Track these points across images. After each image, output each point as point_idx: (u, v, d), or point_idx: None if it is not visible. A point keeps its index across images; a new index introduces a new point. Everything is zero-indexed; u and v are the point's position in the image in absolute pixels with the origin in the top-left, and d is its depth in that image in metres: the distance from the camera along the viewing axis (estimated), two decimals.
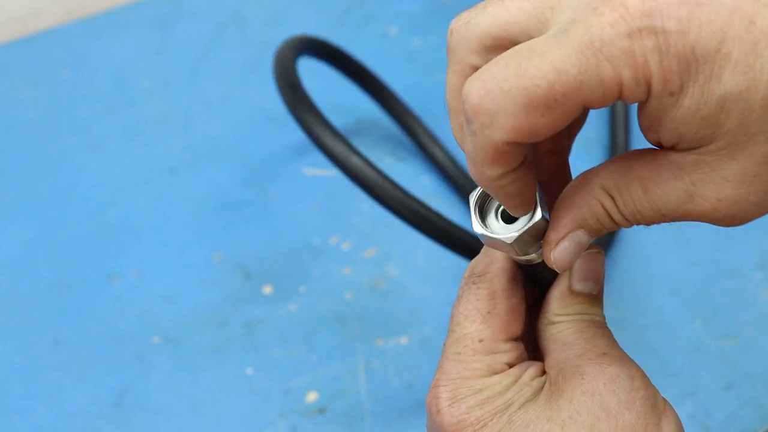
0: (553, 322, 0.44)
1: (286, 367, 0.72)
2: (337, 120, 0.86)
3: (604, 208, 0.39)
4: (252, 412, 0.70)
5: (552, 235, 0.40)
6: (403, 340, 0.73)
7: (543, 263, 0.42)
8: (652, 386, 0.41)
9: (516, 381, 0.42)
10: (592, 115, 0.88)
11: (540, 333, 0.44)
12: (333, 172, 0.84)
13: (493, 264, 0.44)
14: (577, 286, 0.44)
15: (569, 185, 0.40)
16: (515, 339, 0.44)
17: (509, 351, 0.43)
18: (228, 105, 0.89)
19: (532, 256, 0.42)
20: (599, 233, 0.40)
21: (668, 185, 0.37)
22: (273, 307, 0.75)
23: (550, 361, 0.43)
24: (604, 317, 0.44)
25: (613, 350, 0.42)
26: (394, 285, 0.77)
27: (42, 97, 0.89)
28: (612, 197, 0.39)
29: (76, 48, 0.93)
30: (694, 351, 0.74)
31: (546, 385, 0.42)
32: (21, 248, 0.79)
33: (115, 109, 0.89)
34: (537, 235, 0.41)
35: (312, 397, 0.71)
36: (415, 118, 0.83)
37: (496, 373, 0.42)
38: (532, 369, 0.43)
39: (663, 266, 0.79)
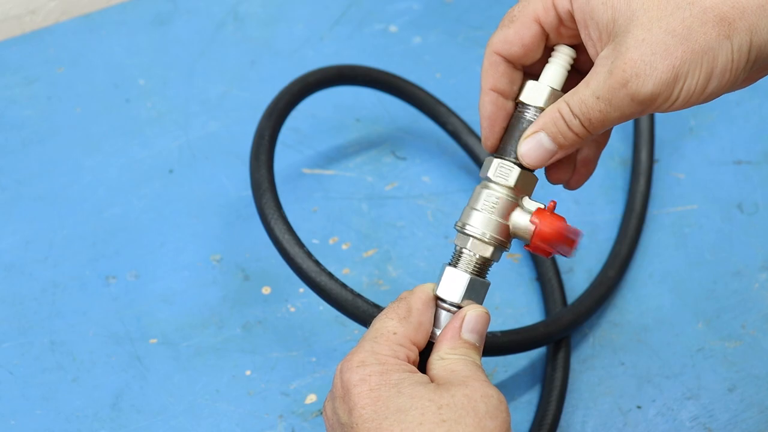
0: (443, 358, 0.54)
1: (285, 368, 0.72)
2: (337, 120, 0.86)
3: (559, 111, 0.53)
4: (250, 414, 0.69)
5: (522, 136, 0.55)
6: None
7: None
8: (509, 416, 0.53)
9: (411, 370, 0.54)
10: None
11: (430, 365, 0.55)
12: (332, 172, 0.84)
13: (414, 293, 0.57)
14: (466, 335, 0.55)
15: None
16: (418, 349, 0.56)
17: (412, 351, 0.55)
18: (226, 104, 0.89)
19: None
20: (558, 138, 0.53)
21: (598, 73, 0.51)
22: (272, 307, 0.75)
23: (439, 380, 0.54)
24: (481, 363, 0.55)
25: (488, 380, 0.53)
26: (394, 285, 0.76)
27: (38, 96, 0.88)
28: (566, 102, 0.53)
29: (73, 46, 0.93)
30: (696, 352, 0.73)
31: (434, 383, 0.53)
32: (17, 248, 0.78)
33: (112, 107, 0.88)
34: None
35: (311, 398, 0.70)
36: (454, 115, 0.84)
37: (399, 359, 0.54)
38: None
39: (664, 266, 0.79)
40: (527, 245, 0.56)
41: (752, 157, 0.85)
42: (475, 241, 0.56)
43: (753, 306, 0.76)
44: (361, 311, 0.65)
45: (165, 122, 0.87)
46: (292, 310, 0.75)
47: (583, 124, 0.52)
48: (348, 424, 0.52)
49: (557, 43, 0.56)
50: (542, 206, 0.56)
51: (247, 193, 0.82)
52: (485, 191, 0.56)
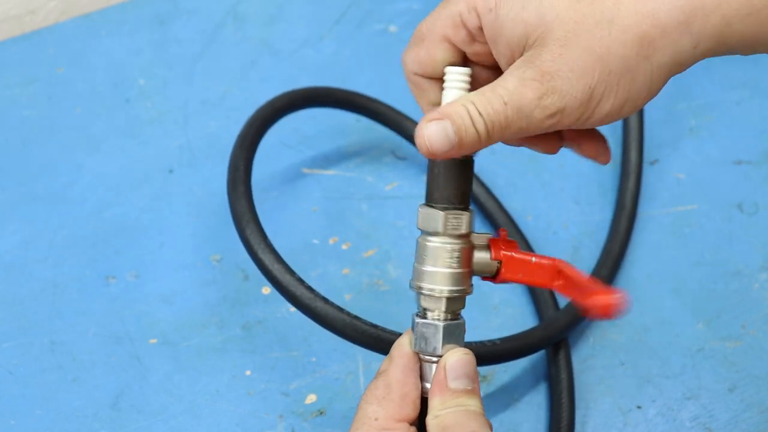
0: (437, 416, 0.52)
1: (285, 368, 0.72)
2: (337, 120, 0.86)
3: (466, 108, 0.49)
4: (251, 414, 0.69)
5: (426, 116, 0.50)
6: None
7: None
8: None
9: None
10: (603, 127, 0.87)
11: (428, 427, 0.53)
12: (332, 172, 0.84)
13: (392, 362, 0.55)
14: (452, 384, 0.53)
15: None
16: (409, 422, 0.53)
17: (399, 429, 0.53)
18: (226, 103, 0.89)
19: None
20: (461, 131, 0.49)
21: (508, 80, 0.49)
22: (272, 308, 0.75)
23: None
24: (481, 407, 0.53)
25: (481, 430, 0.51)
26: (394, 285, 0.76)
27: (38, 96, 0.88)
28: (472, 101, 0.49)
29: (73, 46, 0.93)
30: (696, 352, 0.73)
31: None
32: (17, 248, 0.78)
33: (112, 107, 0.88)
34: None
35: (311, 398, 0.70)
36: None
37: None
38: None
39: (664, 266, 0.79)
40: (488, 278, 0.55)
41: (752, 157, 0.85)
42: (442, 299, 0.54)
43: (753, 306, 0.76)
44: (359, 333, 0.65)
45: (165, 122, 0.87)
46: (292, 310, 0.74)
47: (486, 126, 0.49)
48: None
49: (475, 56, 0.54)
50: (489, 235, 0.55)
51: None
52: (436, 246, 0.54)
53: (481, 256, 0.55)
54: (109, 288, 0.76)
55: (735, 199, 0.82)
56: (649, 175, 0.84)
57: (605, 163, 0.56)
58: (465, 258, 0.54)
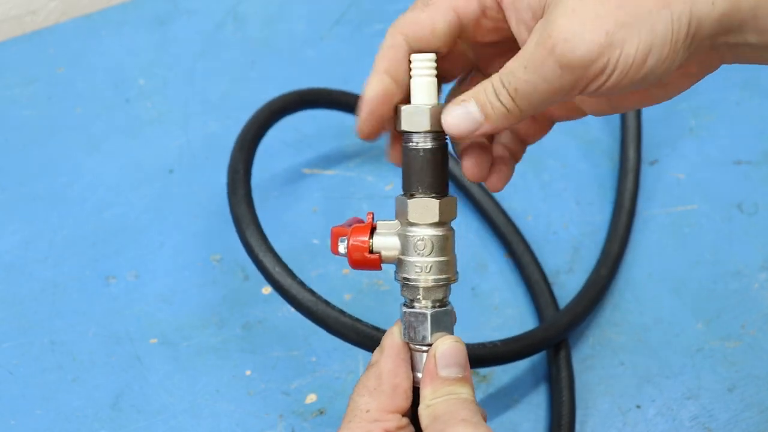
0: (429, 406, 0.52)
1: (285, 368, 0.72)
2: (337, 120, 0.86)
3: (490, 81, 0.49)
4: (251, 413, 0.69)
5: (452, 100, 0.50)
6: None
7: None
8: None
9: None
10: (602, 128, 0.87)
11: (420, 417, 0.52)
12: (332, 172, 0.84)
13: (382, 352, 0.54)
14: (443, 372, 0.52)
15: None
16: (401, 413, 0.53)
17: (391, 420, 0.53)
18: (226, 103, 0.89)
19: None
20: (486, 107, 0.49)
21: (528, 44, 0.47)
22: (272, 307, 0.75)
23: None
24: (472, 394, 0.53)
25: (473, 418, 0.50)
26: (393, 285, 0.76)
27: (38, 96, 0.88)
28: (498, 74, 0.49)
29: (73, 46, 0.93)
30: (696, 352, 0.73)
31: None
32: (17, 248, 0.78)
33: (113, 107, 0.88)
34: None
35: (311, 398, 0.70)
36: None
37: None
38: None
39: (663, 266, 0.79)
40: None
41: (752, 157, 0.85)
42: (426, 288, 0.53)
43: (753, 306, 0.76)
44: (361, 335, 0.64)
45: (165, 122, 0.87)
46: (293, 310, 0.75)
47: (510, 95, 0.48)
48: None
49: (473, 39, 0.53)
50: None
51: None
52: (410, 236, 0.53)
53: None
54: (109, 288, 0.76)
55: (735, 199, 0.82)
56: (648, 175, 0.84)
57: (495, 191, 0.57)
58: (448, 246, 0.53)
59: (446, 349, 0.52)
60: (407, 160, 0.53)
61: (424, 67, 0.51)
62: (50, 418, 0.69)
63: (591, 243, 0.80)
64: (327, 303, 0.65)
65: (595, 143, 0.86)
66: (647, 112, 0.86)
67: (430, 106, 0.51)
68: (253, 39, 0.94)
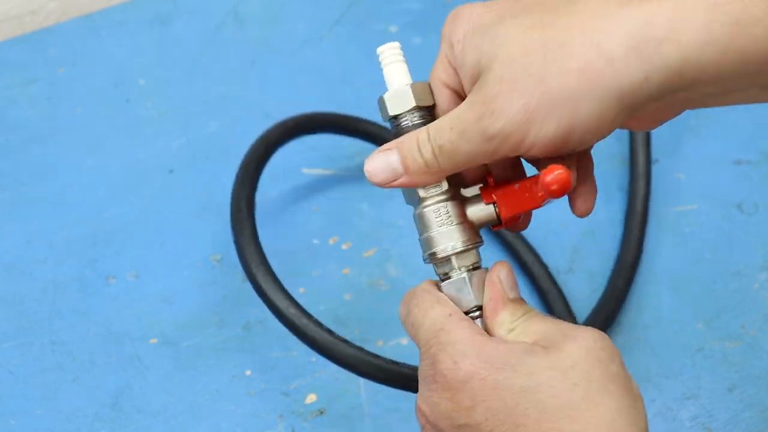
0: (512, 329, 0.50)
1: (285, 368, 0.72)
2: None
3: (417, 134, 0.50)
4: (251, 414, 0.69)
5: (377, 149, 0.52)
6: (403, 341, 0.73)
7: None
8: None
9: (501, 341, 0.49)
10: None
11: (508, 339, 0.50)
12: (333, 172, 0.84)
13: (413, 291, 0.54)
14: (511, 294, 0.52)
15: None
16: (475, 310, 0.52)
17: (476, 318, 0.52)
18: (226, 104, 0.89)
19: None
20: (407, 160, 0.50)
21: (459, 106, 0.49)
22: None
23: (541, 341, 0.49)
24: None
25: (576, 324, 0.50)
26: (394, 285, 0.76)
27: (39, 96, 0.88)
28: (427, 128, 0.50)
29: (73, 46, 0.93)
30: (696, 352, 0.73)
31: (535, 346, 0.48)
32: (17, 248, 0.78)
33: (113, 107, 0.88)
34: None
35: (311, 398, 0.70)
36: None
37: (483, 335, 0.49)
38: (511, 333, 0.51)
39: (663, 266, 0.79)
40: (497, 226, 0.54)
41: (752, 157, 0.85)
42: (454, 256, 0.53)
43: (753, 306, 0.76)
44: (382, 371, 0.63)
45: (165, 122, 0.87)
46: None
47: (433, 151, 0.50)
48: (471, 423, 0.48)
49: None
50: (480, 186, 0.54)
51: None
52: (428, 211, 0.53)
53: (476, 208, 0.53)
54: (109, 288, 0.76)
55: (735, 199, 0.82)
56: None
57: (582, 214, 0.55)
58: (459, 212, 0.53)
59: (506, 271, 0.52)
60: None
61: (392, 55, 0.53)
62: (50, 418, 0.69)
63: (591, 243, 0.80)
64: (345, 341, 0.64)
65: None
66: None
67: (409, 84, 0.53)
68: (253, 39, 0.94)
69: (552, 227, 0.80)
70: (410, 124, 0.53)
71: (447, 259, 0.53)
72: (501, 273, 0.52)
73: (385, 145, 0.51)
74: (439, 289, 0.53)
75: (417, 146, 0.50)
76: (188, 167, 0.84)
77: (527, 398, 0.46)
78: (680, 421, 0.70)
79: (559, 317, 0.73)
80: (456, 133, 0.49)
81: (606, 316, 0.73)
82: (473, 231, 0.53)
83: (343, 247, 0.78)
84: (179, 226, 0.80)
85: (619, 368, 0.48)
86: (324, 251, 0.78)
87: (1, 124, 0.87)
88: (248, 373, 0.71)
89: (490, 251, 0.79)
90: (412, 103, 0.52)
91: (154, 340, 0.73)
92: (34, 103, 0.88)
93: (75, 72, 0.91)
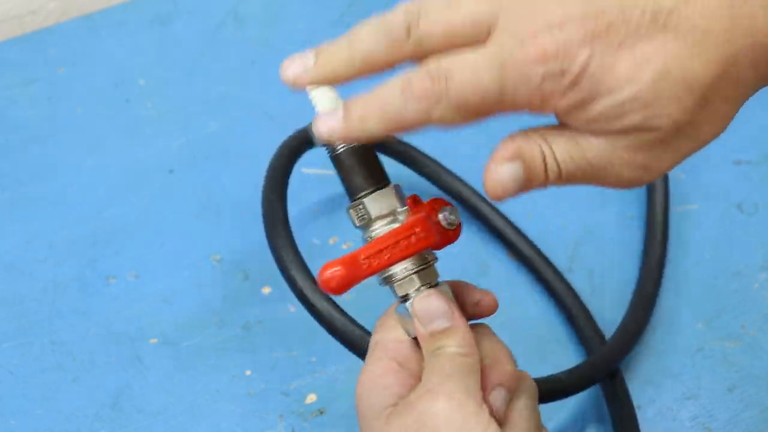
0: (424, 365, 0.49)
1: (285, 368, 0.72)
2: None
3: (541, 148, 0.45)
4: (251, 414, 0.69)
5: (497, 155, 0.45)
6: None
7: None
8: (462, 416, 0.47)
9: (382, 390, 0.50)
10: None
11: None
12: (333, 172, 0.84)
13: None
14: (428, 328, 0.50)
15: (516, 132, 0.46)
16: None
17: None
18: (226, 104, 0.89)
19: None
20: (530, 174, 0.45)
21: (595, 140, 0.44)
22: (272, 307, 0.75)
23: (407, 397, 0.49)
24: (460, 344, 0.49)
25: (439, 385, 0.48)
26: None
27: (38, 96, 0.88)
28: (549, 143, 0.45)
29: (73, 46, 0.93)
30: (696, 352, 0.73)
31: (393, 407, 0.49)
32: (17, 248, 0.78)
33: (113, 107, 0.88)
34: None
35: (311, 398, 0.70)
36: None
37: (383, 373, 0.51)
38: None
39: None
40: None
41: (752, 157, 0.85)
42: (413, 278, 0.51)
43: (753, 306, 0.76)
44: None
45: (165, 122, 0.87)
46: (292, 310, 0.75)
47: (557, 164, 0.46)
48: None
49: None
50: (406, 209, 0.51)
51: (248, 192, 0.81)
52: (379, 232, 0.51)
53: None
54: (109, 288, 0.76)
55: (735, 199, 0.82)
56: None
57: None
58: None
59: (420, 304, 0.50)
60: (338, 168, 0.53)
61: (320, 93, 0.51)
62: (50, 418, 0.69)
63: (591, 242, 0.80)
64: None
65: None
66: None
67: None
68: (253, 39, 0.94)
69: (552, 227, 0.80)
70: (344, 148, 0.52)
71: (399, 282, 0.51)
72: (416, 306, 0.50)
73: (507, 150, 0.45)
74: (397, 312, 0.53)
75: (541, 155, 0.46)
76: (188, 167, 0.84)
77: None
78: (680, 421, 0.70)
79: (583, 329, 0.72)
80: (585, 145, 0.45)
81: (637, 323, 0.72)
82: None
83: (344, 247, 0.78)
84: (179, 226, 0.80)
85: None
86: (324, 251, 0.78)
87: (1, 124, 0.87)
88: (248, 373, 0.71)
89: (489, 247, 0.79)
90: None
91: (154, 340, 0.73)
92: (34, 103, 0.88)
93: (75, 72, 0.91)
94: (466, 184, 0.80)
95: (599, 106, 0.42)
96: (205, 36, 0.94)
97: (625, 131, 0.43)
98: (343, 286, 0.49)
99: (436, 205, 0.53)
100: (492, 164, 0.45)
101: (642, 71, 0.42)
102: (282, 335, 0.73)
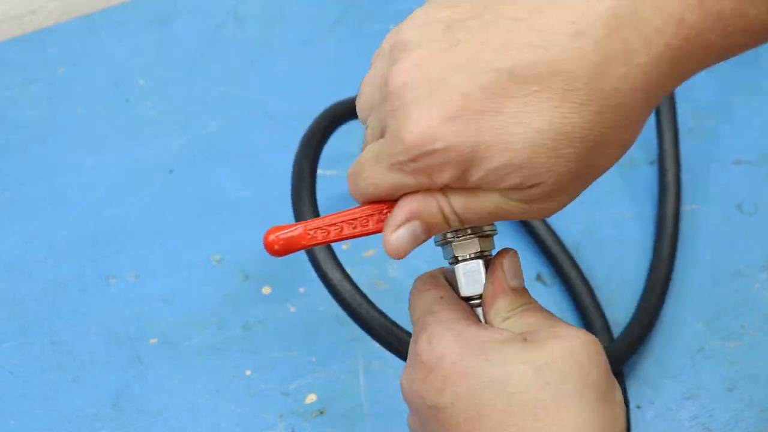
0: (507, 318, 0.49)
1: (285, 368, 0.72)
2: None
3: (439, 204, 0.46)
4: (251, 414, 0.69)
5: (391, 221, 0.47)
6: None
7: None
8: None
9: (485, 327, 0.48)
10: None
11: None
12: (333, 172, 0.84)
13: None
14: (513, 283, 0.50)
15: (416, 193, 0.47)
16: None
17: (477, 306, 0.50)
18: (226, 104, 0.89)
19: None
20: (430, 228, 0.47)
21: (491, 194, 0.45)
22: (272, 307, 0.75)
23: (527, 334, 0.48)
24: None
25: (571, 324, 0.48)
26: (393, 285, 0.76)
27: (39, 96, 0.88)
28: (446, 196, 0.45)
29: (73, 46, 0.93)
30: (696, 352, 0.73)
31: (516, 337, 0.47)
32: (17, 248, 0.78)
33: (113, 107, 0.88)
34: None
35: (311, 398, 0.70)
36: None
37: (468, 320, 0.48)
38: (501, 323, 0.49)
39: None
40: None
41: (752, 157, 0.85)
42: (476, 240, 0.51)
43: (753, 306, 0.76)
44: None
45: (165, 122, 0.87)
46: (293, 310, 0.75)
47: (457, 215, 0.47)
48: (439, 406, 0.47)
49: None
50: None
51: (247, 192, 0.82)
52: None
53: None
54: (109, 288, 0.76)
55: (735, 199, 0.82)
56: (648, 175, 0.84)
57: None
58: None
59: (511, 259, 0.50)
60: None
61: None
62: (50, 418, 0.69)
63: (591, 242, 0.80)
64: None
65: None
66: None
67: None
68: (253, 39, 0.94)
69: (552, 226, 0.80)
70: None
71: (459, 244, 0.52)
72: (504, 260, 0.50)
73: (400, 215, 0.48)
74: (445, 274, 0.53)
75: (440, 211, 0.47)
76: (188, 167, 0.84)
77: (495, 389, 0.45)
78: (680, 421, 0.70)
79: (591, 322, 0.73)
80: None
81: (645, 325, 0.73)
82: None
83: (344, 247, 0.78)
84: (179, 226, 0.80)
85: (600, 376, 0.45)
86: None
87: (1, 124, 0.87)
88: (248, 373, 0.71)
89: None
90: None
91: (154, 340, 0.73)
92: (34, 103, 0.88)
93: (75, 72, 0.91)
94: None
95: (479, 173, 0.43)
96: (205, 36, 0.94)
97: (512, 189, 0.44)
98: (286, 249, 0.51)
99: None
100: (386, 233, 0.47)
101: (509, 135, 0.42)
102: (282, 335, 0.73)
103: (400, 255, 0.48)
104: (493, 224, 0.53)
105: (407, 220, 0.47)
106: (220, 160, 0.84)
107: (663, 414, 0.70)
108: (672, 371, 0.72)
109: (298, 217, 0.67)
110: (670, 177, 0.80)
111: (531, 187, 0.44)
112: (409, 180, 0.45)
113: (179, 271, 0.77)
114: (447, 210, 0.46)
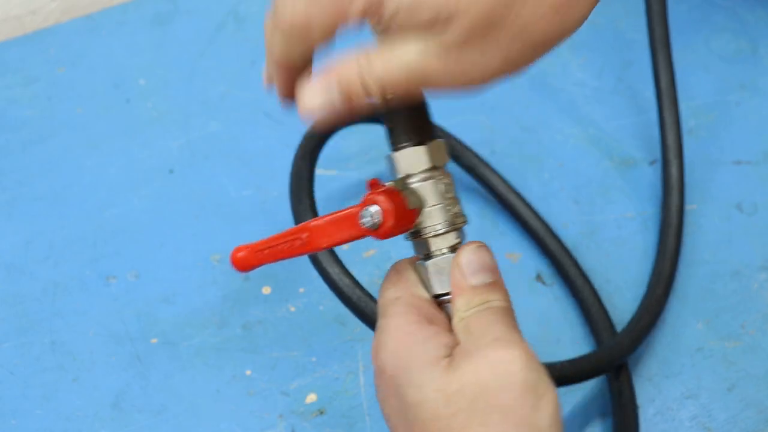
0: (462, 318, 0.48)
1: (285, 368, 0.72)
2: None
3: (357, 62, 0.46)
4: (251, 413, 0.70)
5: (306, 77, 0.48)
6: None
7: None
8: (536, 369, 0.45)
9: (429, 339, 0.47)
10: (601, 125, 0.87)
11: (455, 331, 0.48)
12: (332, 172, 0.84)
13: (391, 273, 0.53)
14: (473, 279, 0.48)
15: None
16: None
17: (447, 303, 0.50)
18: (226, 104, 0.89)
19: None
20: (350, 89, 0.46)
21: (408, 43, 0.45)
22: (272, 307, 0.75)
23: (458, 349, 0.47)
24: (507, 300, 0.49)
25: (507, 334, 0.46)
26: None
27: (39, 96, 0.88)
28: (367, 54, 0.46)
29: (74, 46, 0.93)
30: (696, 352, 0.74)
31: (443, 358, 0.46)
32: (17, 248, 0.78)
33: (113, 108, 0.88)
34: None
35: (311, 398, 0.70)
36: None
37: (418, 323, 0.48)
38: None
39: None
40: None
41: (752, 157, 0.85)
42: (449, 233, 0.51)
43: (753, 306, 0.76)
44: None
45: (165, 122, 0.87)
46: (293, 310, 0.75)
47: (373, 77, 0.47)
48: (386, 412, 0.49)
49: None
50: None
51: (247, 192, 0.82)
52: (427, 183, 0.51)
53: None
54: (109, 288, 0.76)
55: (734, 199, 0.82)
56: (648, 175, 0.84)
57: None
58: (451, 188, 0.52)
59: (469, 254, 0.49)
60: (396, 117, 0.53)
61: None
62: (50, 418, 0.69)
63: (591, 242, 0.80)
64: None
65: (593, 141, 0.86)
66: (648, 113, 0.86)
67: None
68: (253, 39, 0.94)
69: (551, 226, 0.80)
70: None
71: (425, 240, 0.51)
72: (461, 257, 0.49)
73: (320, 72, 0.48)
74: (418, 267, 0.52)
75: (356, 66, 0.48)
76: (188, 167, 0.84)
77: (414, 413, 0.46)
78: (680, 421, 0.70)
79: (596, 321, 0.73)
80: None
81: (650, 319, 0.73)
82: (456, 210, 0.52)
83: (344, 247, 0.78)
84: (179, 226, 0.80)
85: (511, 399, 0.44)
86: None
87: (1, 124, 0.87)
88: (248, 373, 0.71)
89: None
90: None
91: (154, 340, 0.73)
92: (34, 103, 0.88)
93: (75, 72, 0.91)
94: (501, 177, 0.80)
95: (391, 4, 0.44)
96: (205, 36, 0.94)
97: (426, 27, 0.44)
98: (246, 267, 0.59)
99: (375, 198, 0.51)
100: (299, 90, 0.48)
101: None
102: (282, 335, 0.73)
103: (313, 114, 0.47)
104: (460, 211, 0.52)
105: (324, 78, 0.47)
106: (220, 160, 0.84)
107: (663, 413, 0.70)
108: (672, 371, 0.72)
109: (297, 217, 0.67)
110: (674, 173, 0.80)
111: (446, 23, 0.43)
112: (324, 1, 0.45)
113: (179, 271, 0.77)
114: (365, 69, 0.46)
